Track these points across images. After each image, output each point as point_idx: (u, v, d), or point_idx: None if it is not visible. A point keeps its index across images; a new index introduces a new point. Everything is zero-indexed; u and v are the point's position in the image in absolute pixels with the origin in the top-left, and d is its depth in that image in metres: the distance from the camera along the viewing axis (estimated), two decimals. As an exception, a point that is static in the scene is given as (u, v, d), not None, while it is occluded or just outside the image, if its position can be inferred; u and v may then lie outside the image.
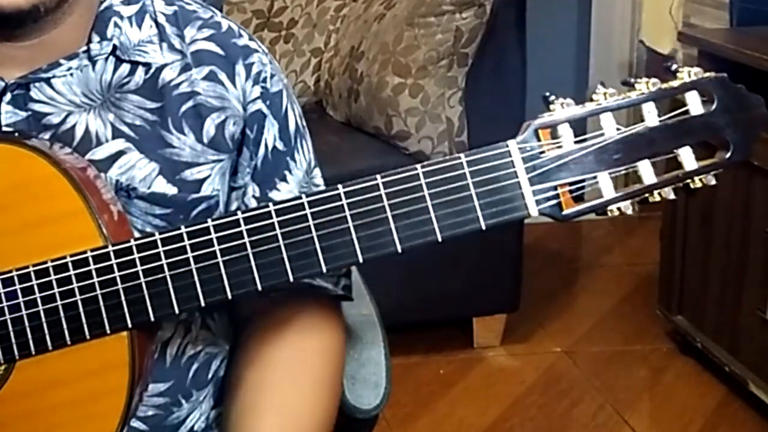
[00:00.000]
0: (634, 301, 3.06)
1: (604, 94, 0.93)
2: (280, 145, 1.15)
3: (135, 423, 1.14)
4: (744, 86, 0.94)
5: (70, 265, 0.98)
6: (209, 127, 1.11)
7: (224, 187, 1.14)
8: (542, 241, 3.50)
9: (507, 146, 0.93)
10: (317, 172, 1.19)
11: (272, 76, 1.15)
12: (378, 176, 0.93)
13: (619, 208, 0.94)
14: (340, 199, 0.93)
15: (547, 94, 0.94)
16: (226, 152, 1.13)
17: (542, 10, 3.30)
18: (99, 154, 1.09)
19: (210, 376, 1.20)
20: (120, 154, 1.09)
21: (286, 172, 1.16)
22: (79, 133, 1.09)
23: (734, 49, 2.39)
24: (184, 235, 0.96)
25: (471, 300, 2.74)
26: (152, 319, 0.98)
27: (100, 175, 1.06)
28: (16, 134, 1.06)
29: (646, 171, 0.93)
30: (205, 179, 1.12)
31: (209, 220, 0.96)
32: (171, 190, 1.10)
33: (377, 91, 2.60)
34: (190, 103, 1.11)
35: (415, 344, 2.76)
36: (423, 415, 2.52)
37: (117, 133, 1.09)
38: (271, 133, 1.14)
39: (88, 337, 0.98)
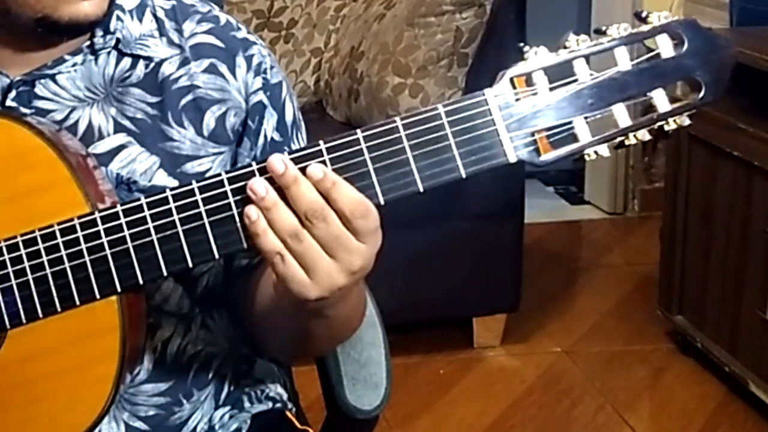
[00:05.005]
0: (634, 301, 3.06)
1: (577, 40, 0.94)
2: (276, 136, 1.16)
3: (137, 423, 1.15)
4: (713, 29, 0.96)
5: (57, 233, 0.98)
6: (209, 120, 1.12)
7: None
8: (542, 241, 3.50)
9: (483, 95, 0.94)
10: None
11: (272, 67, 1.16)
12: (358, 131, 0.94)
13: (596, 152, 0.95)
14: (323, 155, 0.94)
15: (521, 44, 0.96)
16: (226, 144, 1.13)
17: (542, 10, 3.30)
18: (100, 147, 1.09)
19: (211, 375, 1.20)
20: (121, 147, 1.10)
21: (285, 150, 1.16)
22: (82, 127, 1.09)
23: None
24: (170, 198, 0.96)
25: (471, 300, 2.74)
26: (141, 282, 0.98)
27: (99, 167, 1.06)
28: (1, 109, 1.07)
29: (620, 114, 0.94)
30: (206, 172, 1.12)
31: (194, 182, 0.96)
32: (172, 183, 1.10)
33: (377, 91, 2.60)
34: (189, 97, 1.12)
35: (415, 344, 2.76)
36: (423, 415, 2.52)
37: (118, 127, 1.10)
38: (270, 123, 1.15)
39: (78, 303, 0.99)
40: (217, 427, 1.21)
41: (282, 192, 0.92)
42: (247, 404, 1.23)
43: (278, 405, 1.26)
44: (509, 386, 2.63)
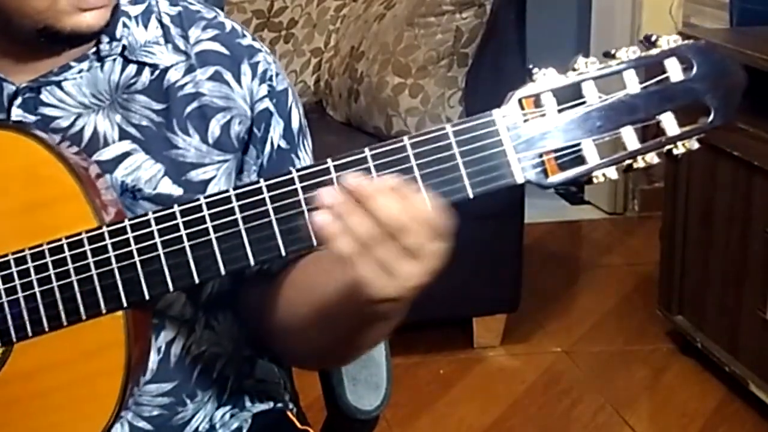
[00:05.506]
0: (634, 301, 3.06)
1: (586, 63, 0.94)
2: (283, 143, 1.15)
3: (140, 423, 1.15)
4: (725, 55, 0.96)
5: (65, 246, 0.98)
6: (214, 128, 1.12)
7: (230, 186, 1.13)
8: (542, 241, 3.50)
9: (491, 115, 0.94)
10: None
11: (277, 74, 1.15)
12: (366, 149, 0.94)
13: (604, 174, 0.95)
14: (330, 173, 0.94)
15: (530, 66, 0.95)
16: (231, 152, 1.13)
17: (542, 10, 3.30)
18: (105, 155, 1.09)
19: (214, 376, 1.20)
20: (126, 155, 1.10)
21: (291, 169, 1.15)
22: (87, 134, 1.09)
23: (734, 49, 2.39)
24: (177, 214, 0.96)
25: (471, 300, 2.74)
26: (147, 297, 0.98)
27: (104, 176, 1.07)
28: (12, 122, 1.07)
29: (629, 137, 0.94)
30: (210, 180, 1.12)
31: (201, 197, 0.96)
32: (176, 191, 1.10)
33: (377, 91, 2.60)
34: (194, 104, 1.11)
35: (415, 344, 2.76)
36: (423, 415, 2.52)
37: (124, 135, 1.10)
38: (276, 131, 1.15)
39: (84, 317, 0.99)
40: (218, 426, 1.21)
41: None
42: (248, 403, 1.24)
43: (279, 405, 1.26)
44: (509, 386, 2.63)
